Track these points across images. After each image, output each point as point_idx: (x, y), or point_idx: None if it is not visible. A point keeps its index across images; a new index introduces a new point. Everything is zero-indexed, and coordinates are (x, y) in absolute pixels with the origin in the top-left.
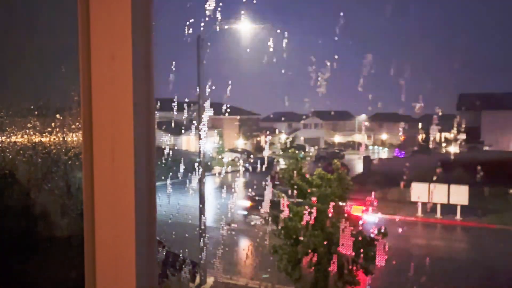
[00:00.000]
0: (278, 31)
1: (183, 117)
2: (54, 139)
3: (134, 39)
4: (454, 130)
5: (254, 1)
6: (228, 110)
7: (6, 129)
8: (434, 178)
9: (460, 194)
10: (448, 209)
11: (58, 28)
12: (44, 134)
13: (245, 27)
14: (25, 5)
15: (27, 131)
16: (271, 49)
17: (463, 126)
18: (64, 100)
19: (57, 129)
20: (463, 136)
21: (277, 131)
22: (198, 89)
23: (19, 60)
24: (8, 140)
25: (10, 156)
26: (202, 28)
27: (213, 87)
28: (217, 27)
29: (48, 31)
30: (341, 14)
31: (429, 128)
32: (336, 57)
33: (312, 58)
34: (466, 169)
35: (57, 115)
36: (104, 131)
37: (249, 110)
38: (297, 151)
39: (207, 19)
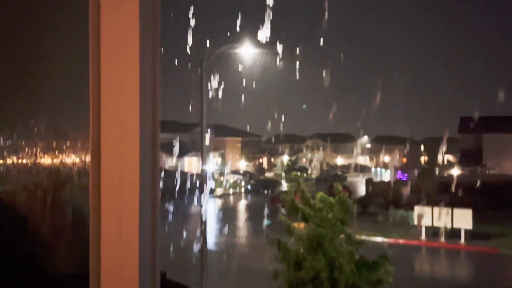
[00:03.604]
0: (279, 56)
1: (186, 139)
2: (59, 161)
3: (142, 68)
4: (457, 153)
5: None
6: (231, 132)
7: (11, 151)
8: (437, 201)
9: (463, 218)
10: (452, 232)
11: (67, 52)
12: (50, 157)
13: (249, 52)
14: (34, 29)
15: (33, 153)
16: (274, 73)
17: (465, 149)
18: (71, 123)
19: (64, 152)
20: (465, 159)
21: (279, 153)
22: (201, 112)
23: (26, 80)
24: (12, 162)
25: (14, 179)
26: (207, 50)
27: (217, 110)
28: (222, 52)
29: (57, 55)
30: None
31: (432, 151)
32: (338, 81)
33: (315, 82)
34: (469, 192)
35: (63, 140)
36: (112, 153)
37: (252, 132)
38: (299, 173)
39: (210, 45)
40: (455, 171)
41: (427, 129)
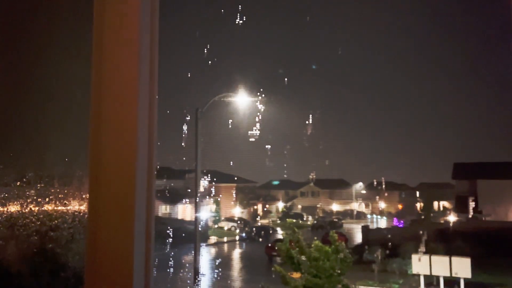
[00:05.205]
0: (266, 103)
1: (180, 186)
2: (55, 210)
3: (140, 114)
4: (452, 199)
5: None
6: (225, 178)
7: (3, 199)
8: (435, 249)
9: (462, 267)
10: (451, 282)
11: (65, 98)
12: (44, 205)
13: (243, 100)
14: (36, 73)
15: (26, 201)
16: (267, 119)
17: (460, 195)
18: (66, 171)
19: (59, 200)
20: (460, 205)
21: (274, 199)
22: (196, 159)
23: (21, 127)
24: (3, 210)
25: (4, 229)
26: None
27: (211, 156)
28: (216, 100)
29: (55, 101)
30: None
31: (427, 197)
32: (331, 127)
33: (307, 127)
34: (466, 239)
35: (58, 186)
36: (110, 196)
37: (246, 178)
38: (294, 220)
39: (205, 94)
40: (451, 218)
41: (422, 174)
